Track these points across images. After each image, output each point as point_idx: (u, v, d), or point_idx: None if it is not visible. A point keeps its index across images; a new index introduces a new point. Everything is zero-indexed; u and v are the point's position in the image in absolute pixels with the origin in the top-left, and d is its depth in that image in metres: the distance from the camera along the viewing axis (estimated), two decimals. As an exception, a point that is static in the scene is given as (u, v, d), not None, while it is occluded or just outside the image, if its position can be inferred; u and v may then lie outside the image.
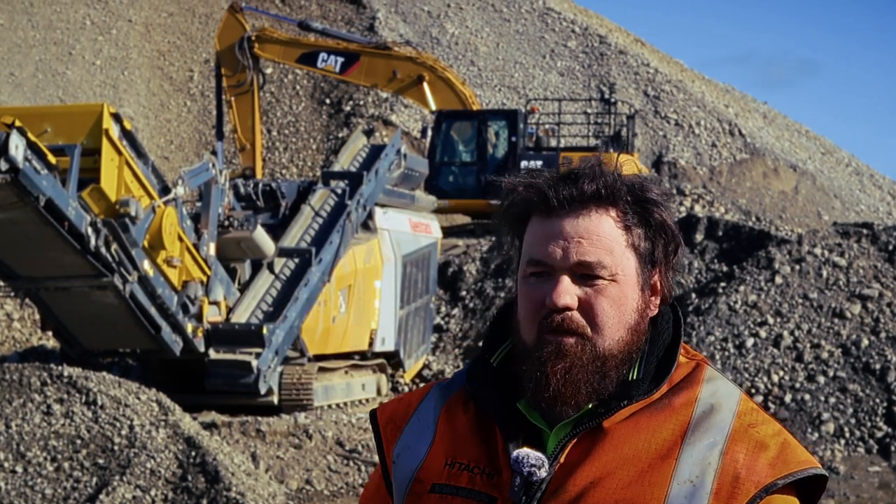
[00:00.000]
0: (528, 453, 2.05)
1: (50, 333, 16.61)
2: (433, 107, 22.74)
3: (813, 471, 2.04)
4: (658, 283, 2.11)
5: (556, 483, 2.05)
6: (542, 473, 2.04)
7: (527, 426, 2.10)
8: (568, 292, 2.04)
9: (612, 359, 2.06)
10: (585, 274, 2.05)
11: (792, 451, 2.05)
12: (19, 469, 10.96)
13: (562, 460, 2.06)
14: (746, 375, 15.17)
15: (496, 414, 2.11)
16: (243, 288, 15.01)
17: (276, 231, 15.42)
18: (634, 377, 2.08)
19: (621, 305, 2.06)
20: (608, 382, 2.06)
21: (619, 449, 2.05)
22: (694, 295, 17.00)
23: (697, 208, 23.35)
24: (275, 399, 14.64)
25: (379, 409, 2.28)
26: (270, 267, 15.11)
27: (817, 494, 2.10)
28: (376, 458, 2.29)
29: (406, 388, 17.11)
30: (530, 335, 2.07)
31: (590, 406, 2.07)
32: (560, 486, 2.05)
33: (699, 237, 19.10)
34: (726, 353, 15.51)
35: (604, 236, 2.05)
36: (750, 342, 15.58)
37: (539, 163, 24.09)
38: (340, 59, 22.24)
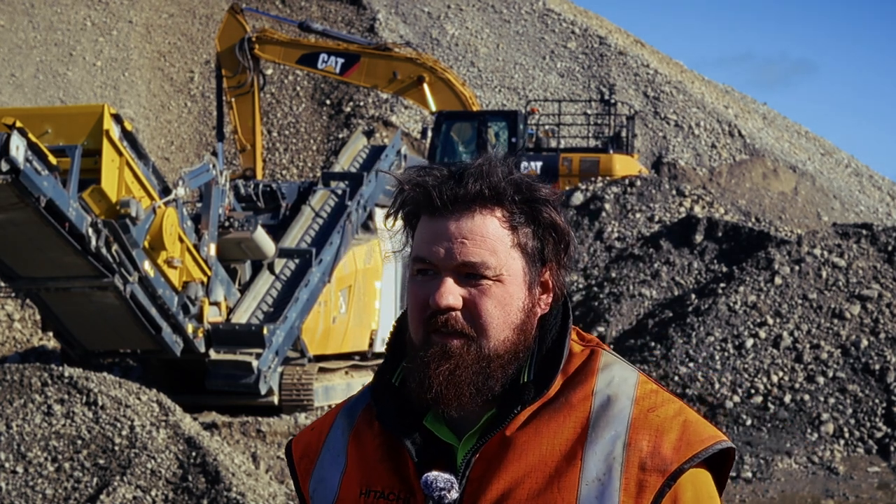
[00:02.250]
0: (436, 476, 2.04)
1: (50, 334, 16.62)
2: (433, 108, 22.75)
3: (718, 446, 2.03)
4: (550, 281, 2.10)
5: (468, 501, 2.04)
6: (454, 495, 2.04)
7: (436, 442, 2.08)
8: (451, 293, 2.02)
9: (497, 359, 2.04)
10: (469, 274, 2.03)
11: (694, 430, 2.03)
12: (20, 469, 10.97)
13: (469, 475, 2.05)
14: (746, 376, 15.17)
15: (403, 434, 2.08)
16: (244, 288, 15.02)
17: (276, 232, 15.42)
18: (525, 379, 2.06)
19: (506, 305, 2.04)
20: (493, 383, 2.04)
21: (524, 457, 2.03)
22: (693, 295, 17.01)
23: (697, 209, 23.25)
24: (275, 399, 14.64)
25: (294, 441, 2.26)
26: (271, 267, 15.12)
27: (728, 465, 2.09)
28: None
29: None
30: (418, 335, 2.06)
31: (491, 413, 2.06)
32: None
33: (699, 238, 19.11)
34: (726, 354, 15.51)
35: (488, 237, 2.04)
36: (749, 343, 15.58)
37: (539, 164, 24.10)
38: (341, 60, 22.26)
